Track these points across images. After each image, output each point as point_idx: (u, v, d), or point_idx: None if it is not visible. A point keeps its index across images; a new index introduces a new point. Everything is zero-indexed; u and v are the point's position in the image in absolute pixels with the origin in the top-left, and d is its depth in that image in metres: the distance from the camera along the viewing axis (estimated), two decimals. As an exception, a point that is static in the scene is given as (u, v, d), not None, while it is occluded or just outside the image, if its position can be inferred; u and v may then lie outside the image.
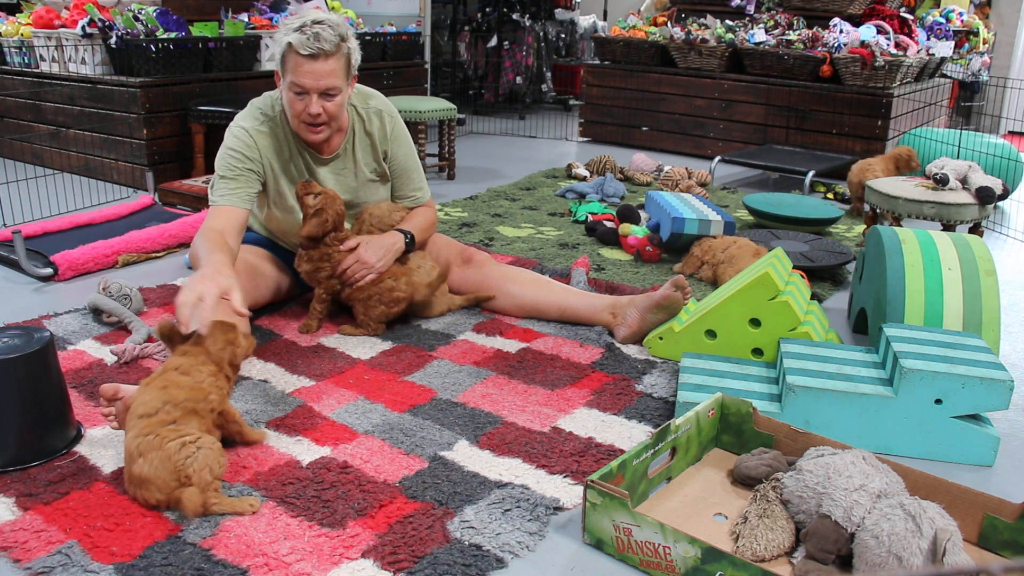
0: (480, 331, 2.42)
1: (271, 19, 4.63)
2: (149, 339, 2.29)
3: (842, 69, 4.82)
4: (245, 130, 2.31)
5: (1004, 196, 3.08)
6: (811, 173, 4.20)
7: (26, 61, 4.46)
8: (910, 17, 5.30)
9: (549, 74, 7.33)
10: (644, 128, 5.62)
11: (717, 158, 4.62)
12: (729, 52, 5.21)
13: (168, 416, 1.58)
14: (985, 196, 2.96)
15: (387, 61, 5.26)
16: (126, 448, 1.56)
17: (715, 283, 2.84)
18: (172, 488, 1.52)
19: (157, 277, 2.84)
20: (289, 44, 2.16)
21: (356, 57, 2.27)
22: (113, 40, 3.95)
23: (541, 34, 7.16)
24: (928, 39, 5.30)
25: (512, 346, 2.33)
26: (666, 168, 4.54)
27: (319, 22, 2.16)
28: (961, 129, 4.41)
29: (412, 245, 2.43)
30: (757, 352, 2.18)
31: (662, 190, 4.03)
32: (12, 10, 5.08)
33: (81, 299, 2.61)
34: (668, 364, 2.24)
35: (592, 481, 1.47)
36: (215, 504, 1.53)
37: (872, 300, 2.35)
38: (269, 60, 4.51)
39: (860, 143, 4.77)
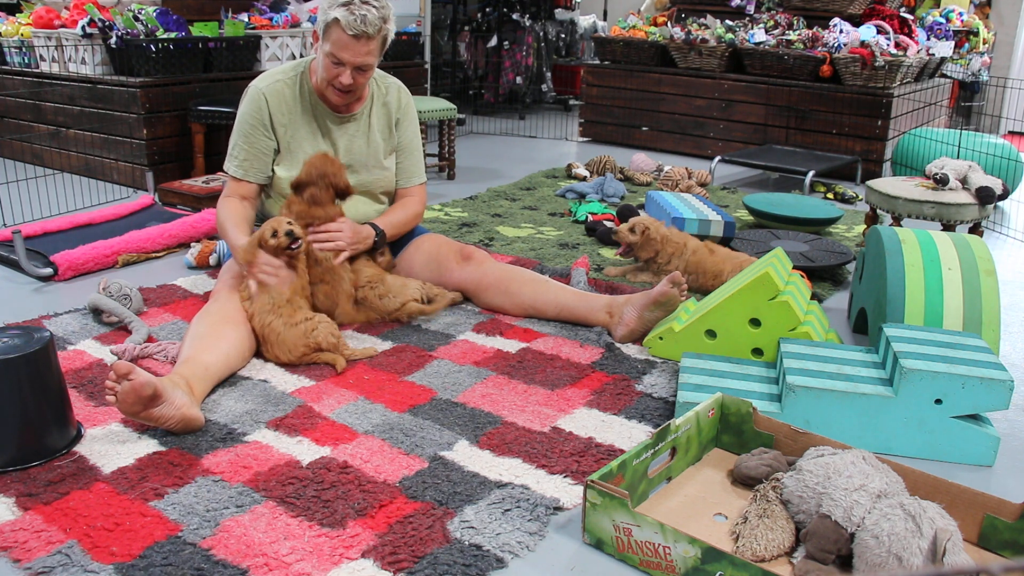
0: (480, 331, 2.42)
1: (271, 19, 4.63)
2: (149, 339, 2.29)
3: (842, 69, 4.82)
4: (259, 90, 2.46)
5: (1004, 196, 3.08)
6: (811, 173, 4.20)
7: (26, 61, 4.46)
8: (910, 17, 5.30)
9: (549, 74, 7.33)
10: (644, 128, 5.62)
11: (717, 158, 4.62)
12: (729, 52, 5.21)
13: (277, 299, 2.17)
14: (985, 196, 2.96)
15: (387, 61, 5.26)
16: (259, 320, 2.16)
17: (702, 291, 2.80)
18: (302, 352, 2.13)
19: (157, 277, 2.84)
20: (336, 19, 2.28)
21: (392, 36, 2.42)
22: (113, 40, 3.95)
23: (541, 34, 7.16)
24: (928, 39, 5.30)
25: (512, 346, 2.33)
26: (666, 168, 4.54)
27: (366, 2, 2.30)
28: (961, 129, 4.41)
29: (381, 242, 2.50)
30: (757, 352, 2.18)
31: (662, 190, 4.03)
32: (12, 10, 5.08)
33: (81, 299, 2.61)
34: (668, 364, 2.24)
35: (592, 481, 1.47)
36: (348, 353, 2.20)
37: (872, 300, 2.35)
38: (269, 60, 4.51)
39: (860, 143, 4.77)
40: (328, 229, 2.37)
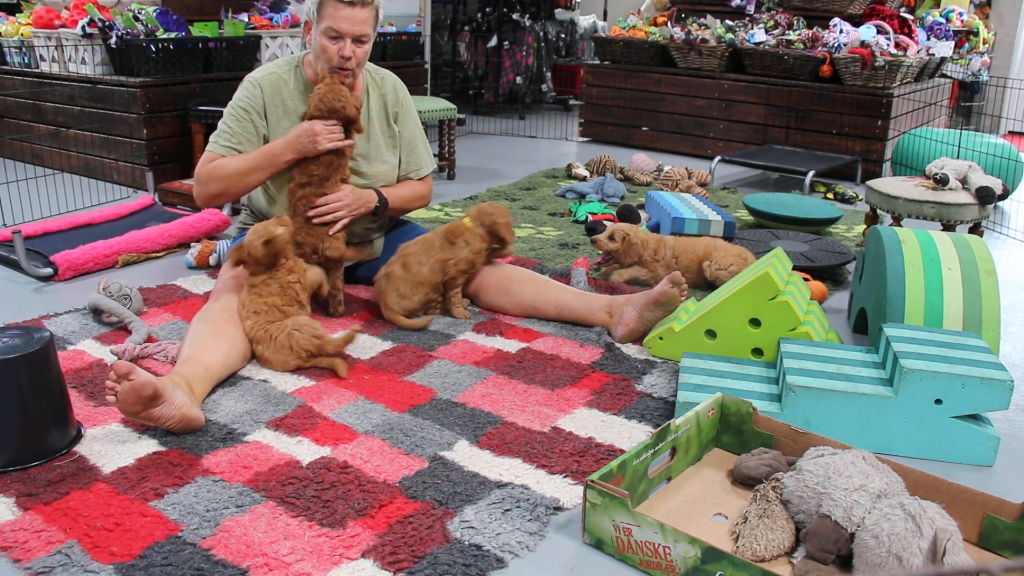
0: (480, 331, 2.42)
1: (271, 19, 4.63)
2: (149, 339, 2.29)
3: (842, 69, 4.82)
4: (255, 80, 2.48)
5: (1004, 196, 3.08)
6: (811, 173, 4.20)
7: (26, 61, 4.46)
8: (910, 17, 5.30)
9: (549, 74, 7.33)
10: (644, 128, 5.62)
11: (717, 158, 4.62)
12: (729, 52, 5.21)
13: (272, 316, 2.17)
14: (985, 196, 2.96)
15: (387, 61, 5.26)
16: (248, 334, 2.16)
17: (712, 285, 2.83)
18: (296, 364, 2.12)
19: (157, 277, 2.84)
20: None
21: (381, 14, 2.45)
22: (113, 40, 3.95)
23: (541, 34, 7.16)
24: (928, 39, 5.30)
25: (512, 346, 2.33)
26: (666, 168, 4.54)
27: None
28: (961, 129, 4.41)
29: (382, 208, 2.52)
30: (757, 352, 2.18)
31: (662, 190, 4.03)
32: (12, 10, 5.08)
33: (81, 299, 2.61)
34: (668, 364, 2.24)
35: (592, 481, 1.47)
36: (334, 345, 2.14)
37: (872, 300, 2.35)
38: (269, 60, 4.51)
39: (860, 143, 4.77)
40: (328, 201, 2.37)
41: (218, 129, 2.47)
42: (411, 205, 2.67)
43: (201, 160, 2.45)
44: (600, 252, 2.90)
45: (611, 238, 2.84)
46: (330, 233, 2.38)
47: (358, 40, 2.37)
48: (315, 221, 2.37)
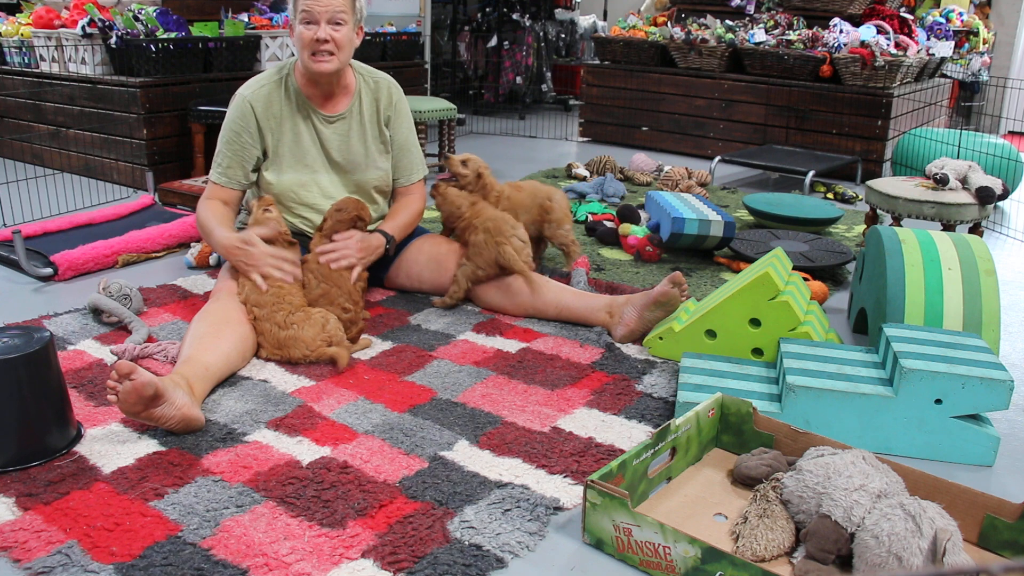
0: (480, 331, 2.42)
1: (271, 19, 4.63)
2: (149, 339, 2.29)
3: (842, 69, 4.82)
4: (244, 98, 2.46)
5: (1004, 196, 3.08)
6: (811, 173, 4.20)
7: (26, 61, 4.46)
8: (910, 17, 5.30)
9: (549, 74, 7.33)
10: (644, 128, 5.62)
11: (717, 158, 4.62)
12: (729, 52, 5.21)
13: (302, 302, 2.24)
14: (985, 196, 2.96)
15: (387, 61, 5.26)
16: (274, 323, 2.16)
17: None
18: (319, 346, 2.14)
19: (157, 277, 2.84)
20: None
21: (362, 3, 2.43)
22: (113, 40, 3.95)
23: (541, 34, 7.16)
24: (928, 39, 5.30)
25: (512, 346, 2.33)
26: (666, 168, 4.54)
27: None
28: (961, 129, 4.41)
29: (391, 248, 2.53)
30: (757, 352, 2.18)
31: (662, 190, 4.03)
32: (12, 10, 5.08)
33: (81, 299, 2.61)
34: (668, 364, 2.24)
35: (592, 481, 1.47)
36: (349, 349, 2.20)
37: (872, 300, 2.35)
38: (269, 60, 4.51)
39: (860, 143, 4.77)
40: (337, 248, 2.33)
41: (216, 152, 2.49)
42: (413, 227, 2.68)
43: (206, 191, 2.49)
44: (448, 171, 2.85)
45: (464, 164, 2.81)
46: (352, 278, 2.32)
47: (333, 23, 2.34)
48: (328, 262, 2.31)
